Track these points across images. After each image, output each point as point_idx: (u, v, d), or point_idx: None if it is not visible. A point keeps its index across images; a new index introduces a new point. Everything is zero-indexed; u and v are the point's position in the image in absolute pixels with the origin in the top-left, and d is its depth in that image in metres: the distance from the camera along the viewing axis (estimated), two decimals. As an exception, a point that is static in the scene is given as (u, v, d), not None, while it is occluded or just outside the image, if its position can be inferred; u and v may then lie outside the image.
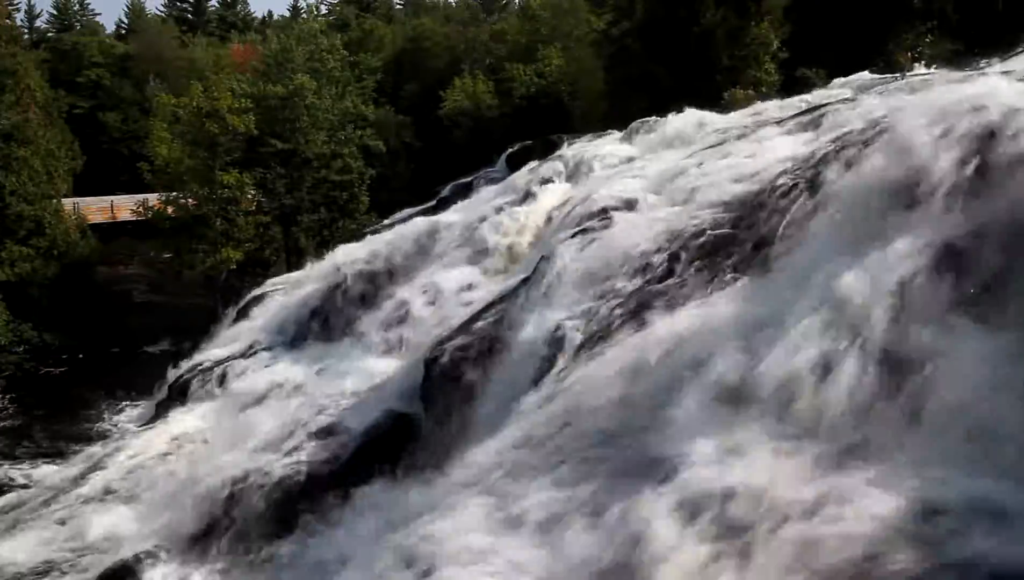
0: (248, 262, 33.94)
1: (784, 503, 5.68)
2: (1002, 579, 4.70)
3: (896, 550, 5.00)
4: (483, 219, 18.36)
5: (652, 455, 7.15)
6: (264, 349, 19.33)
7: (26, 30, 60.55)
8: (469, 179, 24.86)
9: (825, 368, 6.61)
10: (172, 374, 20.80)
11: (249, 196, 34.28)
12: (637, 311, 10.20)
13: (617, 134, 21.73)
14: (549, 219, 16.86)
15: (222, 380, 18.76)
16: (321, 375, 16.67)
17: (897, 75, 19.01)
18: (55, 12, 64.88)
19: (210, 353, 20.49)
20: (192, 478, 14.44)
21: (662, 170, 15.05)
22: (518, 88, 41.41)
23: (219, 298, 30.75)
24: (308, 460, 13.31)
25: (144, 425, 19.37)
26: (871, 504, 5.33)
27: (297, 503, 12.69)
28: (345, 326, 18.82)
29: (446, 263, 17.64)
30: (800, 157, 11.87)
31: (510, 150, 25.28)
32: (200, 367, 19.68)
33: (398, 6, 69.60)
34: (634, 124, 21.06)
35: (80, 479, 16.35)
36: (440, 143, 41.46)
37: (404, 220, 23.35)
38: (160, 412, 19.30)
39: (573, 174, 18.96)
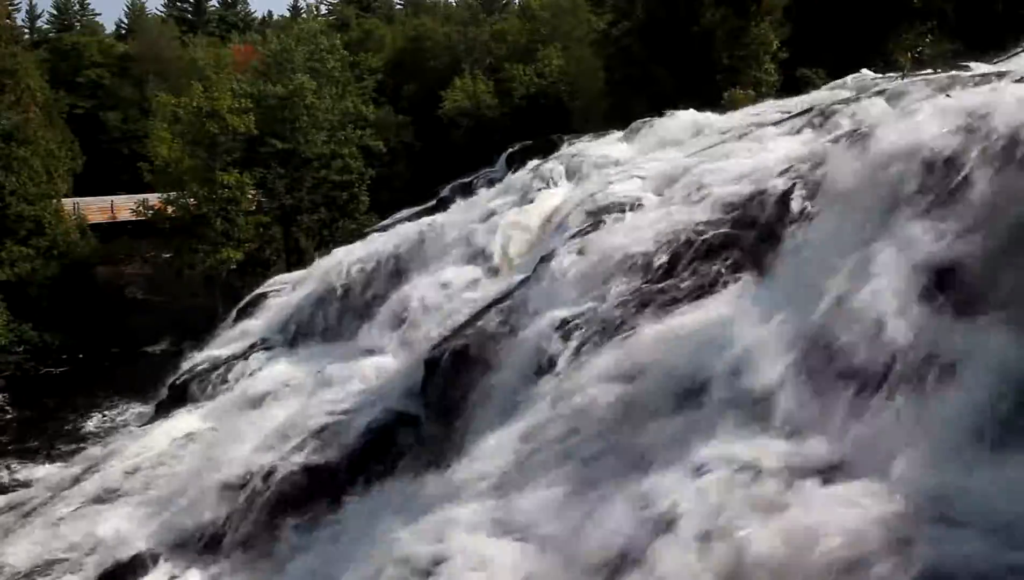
0: (248, 262, 33.89)
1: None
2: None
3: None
4: (483, 219, 18.34)
5: (650, 454, 7.16)
6: (264, 349, 19.32)
7: (26, 30, 60.62)
8: (469, 179, 24.80)
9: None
10: (172, 374, 20.79)
11: (249, 196, 34.22)
12: (637, 311, 10.21)
13: (617, 134, 21.69)
14: (549, 219, 16.85)
15: (222, 380, 18.75)
16: (321, 375, 16.65)
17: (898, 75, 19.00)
18: (55, 12, 64.98)
19: (210, 353, 20.46)
20: (192, 478, 14.43)
21: (662, 170, 15.04)
22: (518, 88, 41.37)
23: (219, 298, 30.70)
24: (309, 460, 13.30)
25: (144, 425, 19.35)
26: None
27: (298, 503, 12.68)
28: (345, 326, 18.80)
29: (446, 263, 17.61)
30: (800, 157, 11.88)
31: (510, 150, 25.22)
32: (200, 367, 19.67)
33: (398, 6, 69.60)
34: (634, 124, 21.02)
35: (80, 479, 16.33)
36: (440, 143, 41.42)
37: (404, 220, 23.32)
38: (160, 412, 19.29)
39: (573, 174, 18.93)
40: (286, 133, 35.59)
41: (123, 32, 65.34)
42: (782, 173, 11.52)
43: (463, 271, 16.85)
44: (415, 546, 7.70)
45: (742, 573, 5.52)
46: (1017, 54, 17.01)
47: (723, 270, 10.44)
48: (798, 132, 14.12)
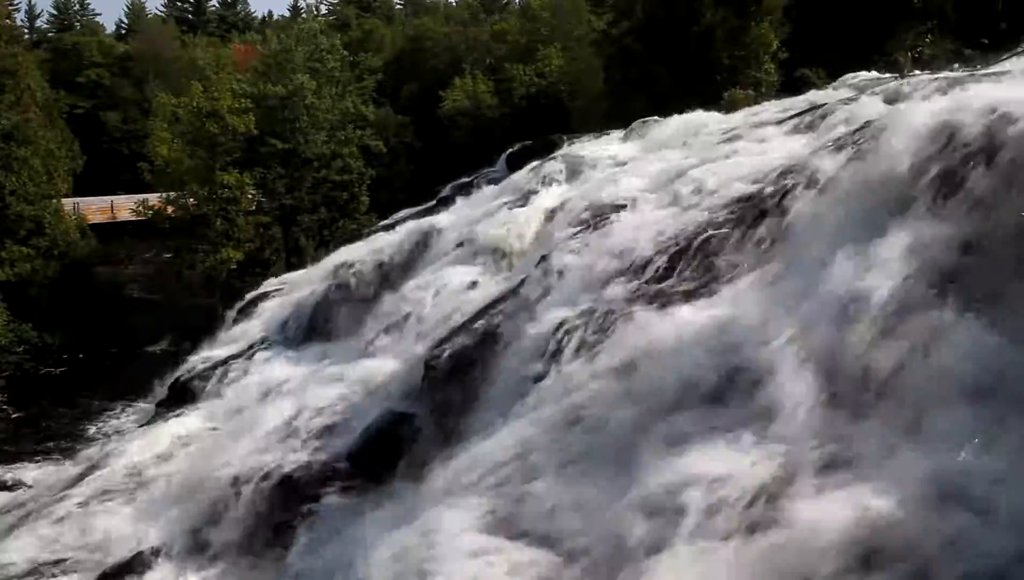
0: (248, 262, 33.84)
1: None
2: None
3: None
4: (483, 219, 18.35)
5: (647, 454, 7.16)
6: (264, 349, 19.31)
7: (26, 30, 60.60)
8: (469, 179, 24.81)
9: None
10: (172, 374, 20.78)
11: (249, 196, 34.20)
12: (636, 310, 10.20)
13: (617, 134, 21.72)
14: (549, 219, 16.85)
15: (222, 380, 18.75)
16: (321, 375, 16.64)
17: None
18: (55, 12, 64.98)
19: (210, 353, 20.46)
20: (192, 478, 14.43)
21: (662, 170, 15.05)
22: (518, 88, 41.36)
23: (219, 298, 30.69)
24: (308, 460, 13.30)
25: (144, 425, 19.34)
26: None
27: (297, 503, 12.68)
28: (345, 326, 18.80)
29: (446, 263, 17.62)
30: (800, 157, 11.88)
31: (510, 150, 25.25)
32: (200, 367, 19.66)
33: (398, 6, 69.62)
34: (634, 124, 21.06)
35: (80, 479, 16.32)
36: (440, 143, 41.42)
37: (404, 220, 23.31)
38: (160, 412, 19.29)
39: (573, 174, 18.94)
40: (286, 133, 35.57)
41: (123, 32, 65.41)
42: (782, 173, 11.53)
43: (463, 271, 16.84)
44: (415, 546, 7.70)
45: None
46: (1018, 54, 17.01)
47: (724, 269, 10.44)
48: (798, 132, 14.13)
